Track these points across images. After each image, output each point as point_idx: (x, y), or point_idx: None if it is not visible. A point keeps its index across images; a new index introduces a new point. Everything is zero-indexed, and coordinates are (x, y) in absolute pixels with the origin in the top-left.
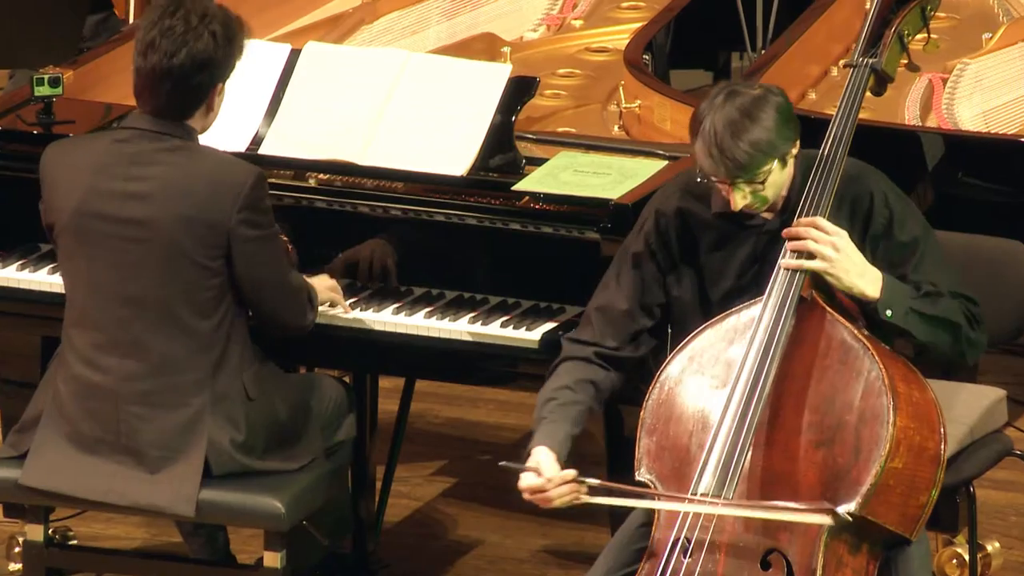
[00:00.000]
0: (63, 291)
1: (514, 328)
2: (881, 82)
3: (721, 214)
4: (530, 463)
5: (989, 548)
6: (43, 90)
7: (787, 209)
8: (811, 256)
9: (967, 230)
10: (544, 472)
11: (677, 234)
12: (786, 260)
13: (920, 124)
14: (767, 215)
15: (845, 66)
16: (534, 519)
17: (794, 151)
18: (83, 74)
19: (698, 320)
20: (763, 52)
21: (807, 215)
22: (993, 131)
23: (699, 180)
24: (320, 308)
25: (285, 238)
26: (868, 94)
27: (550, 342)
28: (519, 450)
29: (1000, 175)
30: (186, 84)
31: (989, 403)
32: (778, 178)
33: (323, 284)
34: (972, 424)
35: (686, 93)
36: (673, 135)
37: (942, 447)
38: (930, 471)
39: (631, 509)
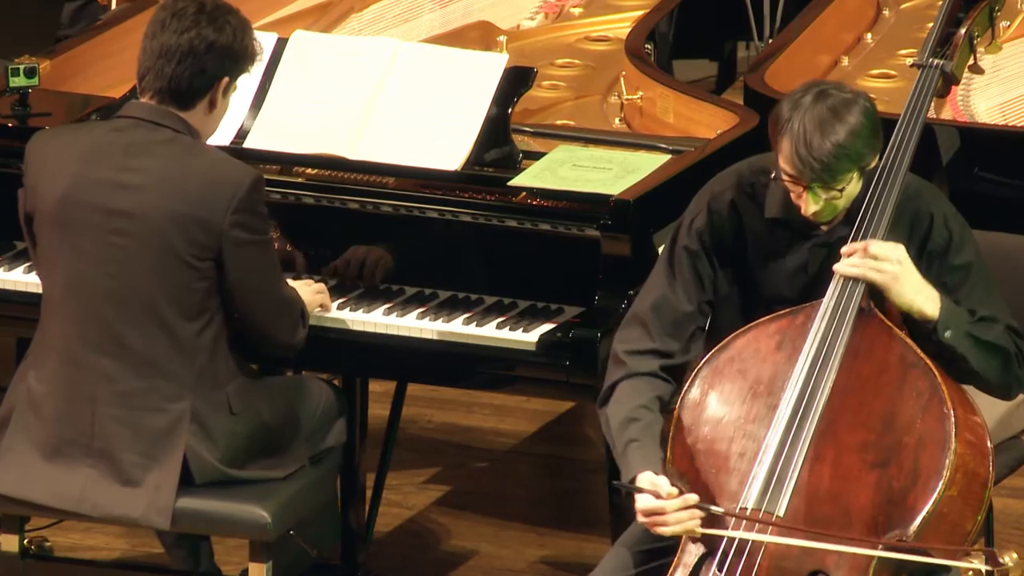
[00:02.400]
0: (40, 291)
1: (511, 329)
2: (947, 84)
3: (775, 220)
4: (644, 485)
5: (1007, 559)
6: (18, 81)
7: (839, 223)
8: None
9: (983, 227)
10: (663, 494)
11: (730, 231)
12: (846, 269)
13: (935, 116)
14: (823, 227)
15: (912, 66)
16: (531, 529)
17: (873, 163)
18: (60, 64)
19: (742, 321)
20: (770, 42)
21: (869, 224)
22: (1011, 123)
23: (772, 178)
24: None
25: (287, 244)
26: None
27: (548, 344)
28: (515, 456)
29: (1018, 169)
30: (193, 63)
31: (1007, 408)
32: (853, 190)
33: (309, 289)
34: (989, 430)
35: (690, 84)
36: (676, 128)
37: (990, 472)
38: (978, 496)
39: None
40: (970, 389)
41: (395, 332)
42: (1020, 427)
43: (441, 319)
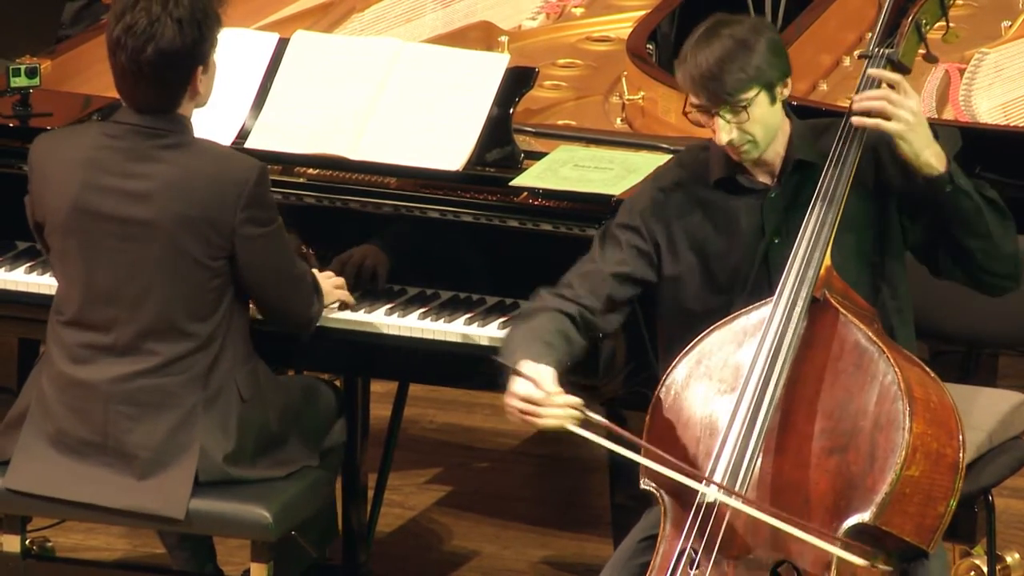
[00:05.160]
0: (41, 291)
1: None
2: (897, 72)
3: (720, 181)
4: (527, 372)
5: (1008, 559)
6: (19, 81)
7: (785, 173)
8: (886, 117)
9: None
10: (545, 386)
11: (675, 210)
12: (859, 118)
13: (936, 116)
14: (766, 179)
15: (860, 57)
16: (532, 529)
17: (784, 90)
18: (62, 64)
19: (707, 298)
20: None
21: (831, 179)
22: (1013, 124)
23: (684, 113)
24: (327, 311)
25: (299, 244)
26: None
27: None
28: (517, 456)
29: (1020, 170)
30: (161, 80)
31: (1009, 408)
32: (766, 115)
33: (329, 283)
34: (990, 430)
35: None
36: (678, 128)
37: (960, 455)
38: (948, 480)
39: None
40: (967, 393)
41: (396, 332)
42: (1022, 427)
43: (443, 319)
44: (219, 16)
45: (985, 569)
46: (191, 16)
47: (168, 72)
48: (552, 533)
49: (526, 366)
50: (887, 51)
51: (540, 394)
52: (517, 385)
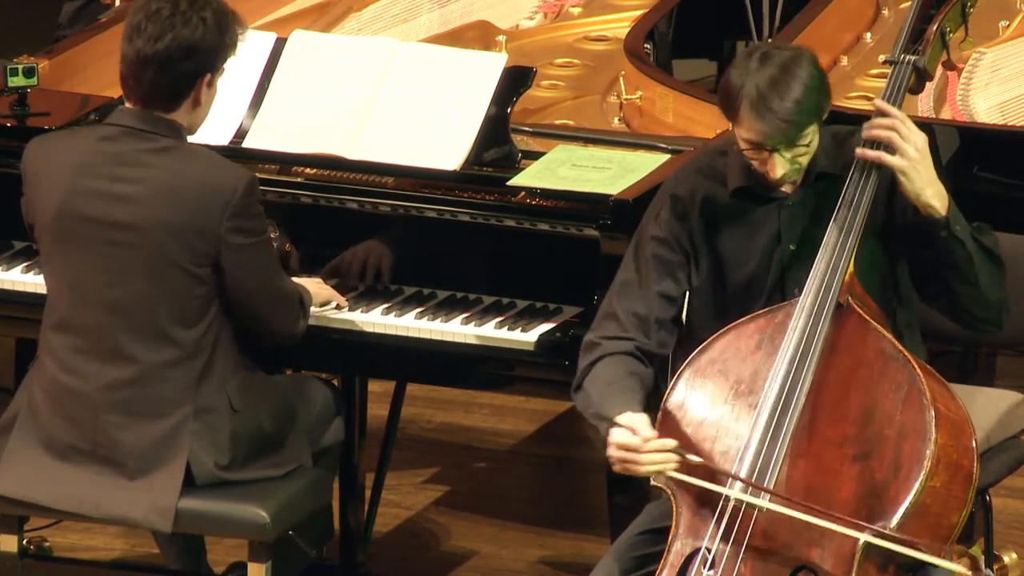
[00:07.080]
0: (38, 291)
1: (509, 329)
2: (921, 80)
3: (740, 189)
4: (623, 421)
5: (1006, 559)
6: (17, 80)
7: (806, 183)
8: (891, 151)
9: None
10: (641, 432)
11: (696, 217)
12: (864, 150)
13: (934, 116)
14: (786, 187)
15: (885, 62)
16: (531, 529)
17: (824, 114)
18: (59, 63)
19: (711, 310)
20: (769, 41)
21: (856, 187)
22: (1011, 123)
23: (733, 151)
24: (316, 310)
25: (286, 242)
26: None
27: (547, 344)
28: (515, 456)
29: (1018, 169)
30: (171, 70)
31: (1007, 407)
32: (815, 142)
33: (316, 288)
34: (988, 429)
35: (689, 84)
36: (676, 127)
37: (975, 466)
38: (962, 490)
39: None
40: (965, 393)
41: (394, 332)
42: (1020, 426)
43: (440, 319)
44: (235, 45)
45: None
46: (216, 21)
47: (180, 64)
48: (550, 533)
49: (622, 416)
50: (913, 58)
51: (637, 440)
52: (614, 435)
